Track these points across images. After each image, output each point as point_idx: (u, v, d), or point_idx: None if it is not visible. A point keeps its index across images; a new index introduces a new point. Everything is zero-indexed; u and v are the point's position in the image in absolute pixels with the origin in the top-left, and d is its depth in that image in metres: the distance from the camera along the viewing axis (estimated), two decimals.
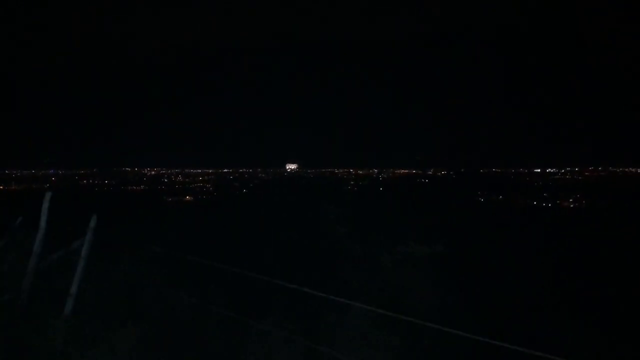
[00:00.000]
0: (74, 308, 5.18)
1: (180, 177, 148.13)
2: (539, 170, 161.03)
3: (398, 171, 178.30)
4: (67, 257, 7.46)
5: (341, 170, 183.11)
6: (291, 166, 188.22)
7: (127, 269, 5.89)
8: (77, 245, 7.17)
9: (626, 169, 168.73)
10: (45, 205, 6.98)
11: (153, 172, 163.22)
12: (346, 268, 8.33)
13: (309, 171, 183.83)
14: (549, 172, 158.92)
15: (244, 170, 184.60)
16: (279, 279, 4.68)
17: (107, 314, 4.97)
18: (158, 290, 5.34)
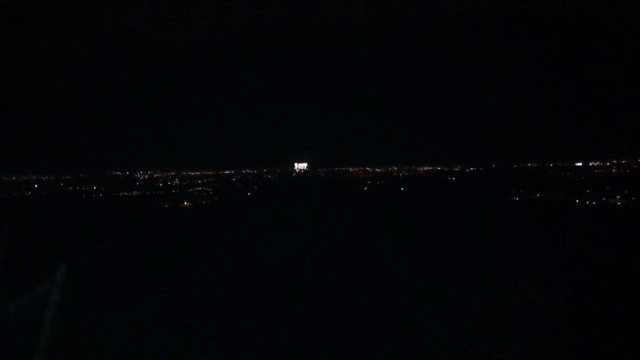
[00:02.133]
0: None
1: (177, 181, 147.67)
2: (580, 164, 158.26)
3: (420, 168, 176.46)
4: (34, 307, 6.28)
5: (356, 169, 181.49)
6: (300, 165, 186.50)
7: (115, 341, 4.63)
8: (37, 293, 5.97)
9: None
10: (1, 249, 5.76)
11: (147, 176, 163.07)
12: None
13: (319, 170, 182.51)
14: (592, 165, 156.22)
15: (248, 171, 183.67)
16: None
17: None
18: None
